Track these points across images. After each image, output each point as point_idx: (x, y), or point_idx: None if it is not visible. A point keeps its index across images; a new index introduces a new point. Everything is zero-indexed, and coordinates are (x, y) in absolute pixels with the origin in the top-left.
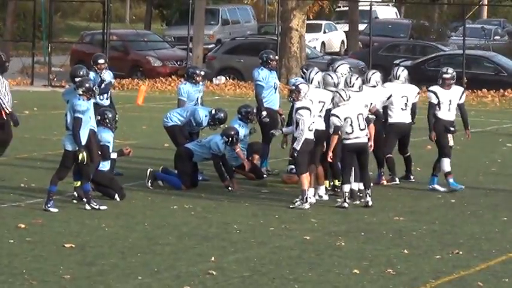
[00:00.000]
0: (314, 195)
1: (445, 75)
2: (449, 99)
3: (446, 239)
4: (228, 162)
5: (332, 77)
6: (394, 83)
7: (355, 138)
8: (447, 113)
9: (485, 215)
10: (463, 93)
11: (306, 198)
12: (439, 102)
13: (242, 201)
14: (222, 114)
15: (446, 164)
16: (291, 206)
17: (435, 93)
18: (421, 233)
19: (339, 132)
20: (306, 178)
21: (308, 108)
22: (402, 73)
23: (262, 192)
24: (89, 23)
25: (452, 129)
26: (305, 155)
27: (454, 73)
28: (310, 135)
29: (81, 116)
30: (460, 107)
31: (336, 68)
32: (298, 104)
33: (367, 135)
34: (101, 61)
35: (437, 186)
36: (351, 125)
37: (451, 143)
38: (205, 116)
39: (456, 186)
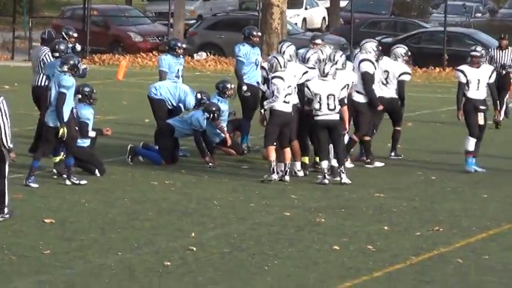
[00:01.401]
0: (299, 171)
1: (473, 53)
2: (478, 78)
3: (426, 215)
4: (209, 138)
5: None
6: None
7: (323, 115)
8: (476, 92)
9: (465, 192)
10: (492, 72)
11: (273, 169)
12: (467, 81)
13: (222, 177)
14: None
15: (471, 144)
16: (261, 180)
17: (463, 72)
18: (401, 210)
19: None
20: (272, 150)
21: (281, 78)
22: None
23: (242, 168)
24: None
25: (482, 107)
26: (275, 128)
27: (483, 51)
28: (284, 108)
29: (66, 92)
30: (490, 86)
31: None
32: (272, 74)
33: (338, 114)
34: (74, 34)
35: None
36: (319, 101)
37: (482, 121)
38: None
39: (471, 168)
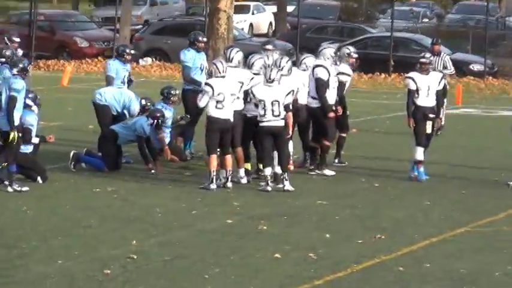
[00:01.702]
0: (242, 178)
1: (422, 60)
2: (428, 85)
3: (369, 223)
4: (153, 144)
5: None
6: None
7: (267, 121)
8: (426, 99)
9: (408, 199)
10: (441, 79)
11: (212, 178)
12: (417, 88)
13: (165, 184)
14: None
15: (420, 153)
16: (200, 187)
17: (413, 79)
18: (344, 217)
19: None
20: (213, 159)
21: (210, 85)
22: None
23: (185, 175)
24: (18, 3)
25: (431, 115)
26: (213, 135)
27: (432, 58)
28: (219, 114)
29: (17, 95)
30: (438, 93)
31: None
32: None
33: (282, 119)
34: (16, 39)
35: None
36: (263, 108)
37: (429, 130)
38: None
39: (423, 177)
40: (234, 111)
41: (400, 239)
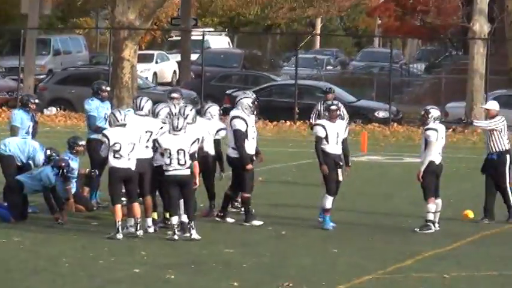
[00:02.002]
0: (149, 227)
1: (332, 107)
2: (337, 132)
3: (276, 271)
4: (58, 194)
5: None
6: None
7: (173, 170)
8: (335, 147)
9: (315, 247)
10: (346, 126)
11: (118, 228)
12: (326, 135)
13: (72, 234)
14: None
15: (329, 201)
16: (107, 237)
17: (323, 126)
18: (252, 265)
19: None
20: (117, 209)
21: (105, 135)
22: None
23: (92, 224)
24: None
25: (341, 163)
26: (115, 185)
27: (340, 105)
28: (119, 164)
29: None
30: (343, 141)
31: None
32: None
33: (188, 168)
34: None
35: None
36: (169, 156)
37: (340, 177)
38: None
39: (330, 226)
40: (144, 159)
41: (307, 287)
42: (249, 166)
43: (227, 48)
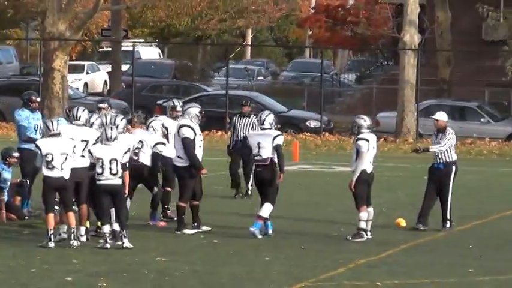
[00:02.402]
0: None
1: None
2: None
3: (208, 279)
4: None
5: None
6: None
7: (105, 179)
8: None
9: (247, 255)
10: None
11: (50, 237)
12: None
13: (3, 243)
14: None
15: (268, 209)
16: (39, 245)
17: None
18: (184, 274)
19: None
20: (50, 217)
21: (38, 146)
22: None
23: (24, 233)
24: None
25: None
26: (48, 194)
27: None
28: (51, 173)
29: None
30: (277, 148)
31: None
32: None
33: (120, 178)
34: None
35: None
36: (101, 166)
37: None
38: None
39: (256, 230)
40: (80, 168)
41: None
42: (204, 171)
43: (158, 58)
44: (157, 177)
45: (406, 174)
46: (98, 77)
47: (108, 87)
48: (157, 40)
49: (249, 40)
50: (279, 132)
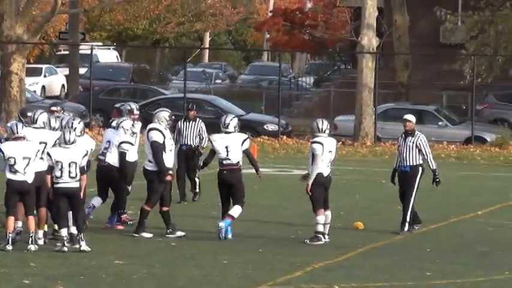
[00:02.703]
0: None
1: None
2: (226, 145)
3: (165, 282)
4: None
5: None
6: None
7: (64, 183)
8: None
9: (205, 258)
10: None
11: (9, 240)
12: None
13: None
14: None
15: (237, 210)
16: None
17: (213, 139)
18: (141, 277)
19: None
20: (10, 220)
21: (0, 150)
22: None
23: None
24: None
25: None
26: (10, 197)
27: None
28: (15, 177)
29: None
30: (246, 151)
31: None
32: None
33: (78, 181)
34: None
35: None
36: (60, 169)
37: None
38: None
39: (222, 224)
40: (40, 172)
41: None
42: (168, 177)
43: (115, 62)
44: (126, 177)
45: (364, 177)
46: (56, 80)
47: (65, 91)
48: (115, 43)
49: (207, 43)
50: (246, 136)
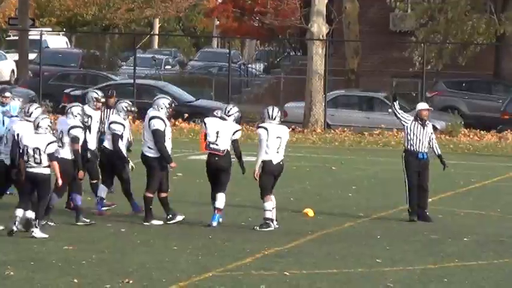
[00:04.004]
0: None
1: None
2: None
3: (115, 267)
4: None
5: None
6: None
7: (30, 167)
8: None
9: (155, 244)
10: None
11: None
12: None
13: None
14: None
15: (221, 199)
16: None
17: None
18: (91, 262)
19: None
20: None
21: None
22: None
23: None
24: None
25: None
26: None
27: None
28: None
29: None
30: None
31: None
32: None
33: (46, 167)
34: None
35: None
36: (26, 154)
37: None
38: None
39: (215, 223)
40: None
41: (147, 284)
42: (173, 164)
43: (65, 47)
44: (124, 159)
45: (314, 164)
46: (5, 66)
47: (15, 76)
48: (64, 29)
49: (156, 30)
50: (240, 127)
